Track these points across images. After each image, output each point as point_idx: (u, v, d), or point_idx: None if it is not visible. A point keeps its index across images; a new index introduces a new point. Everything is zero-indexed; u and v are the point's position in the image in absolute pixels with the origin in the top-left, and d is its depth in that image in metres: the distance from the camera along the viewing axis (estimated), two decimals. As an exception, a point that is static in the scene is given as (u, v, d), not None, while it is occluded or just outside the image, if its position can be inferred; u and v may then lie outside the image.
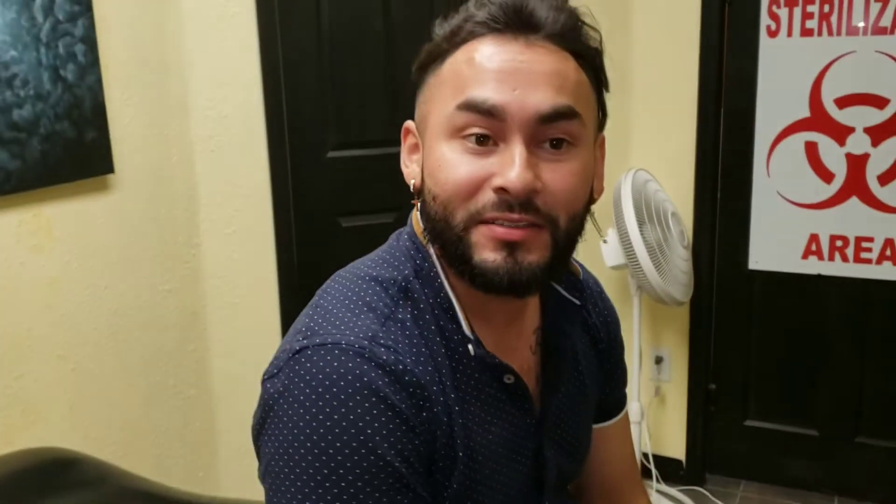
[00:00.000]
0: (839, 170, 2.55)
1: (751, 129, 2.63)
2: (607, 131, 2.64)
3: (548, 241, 0.80)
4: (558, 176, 0.79)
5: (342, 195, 2.55)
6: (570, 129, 0.79)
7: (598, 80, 0.86)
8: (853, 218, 2.56)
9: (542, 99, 0.77)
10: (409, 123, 0.89)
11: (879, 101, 2.46)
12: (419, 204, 0.85)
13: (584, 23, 0.83)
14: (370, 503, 0.73)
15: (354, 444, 0.72)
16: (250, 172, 2.41)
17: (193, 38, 2.28)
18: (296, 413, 0.74)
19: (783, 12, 2.53)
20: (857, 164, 2.52)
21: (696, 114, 2.64)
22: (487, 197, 0.77)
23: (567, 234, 0.81)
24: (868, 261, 2.57)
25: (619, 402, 1.12)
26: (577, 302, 0.95)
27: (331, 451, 0.72)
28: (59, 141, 1.87)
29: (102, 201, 2.02)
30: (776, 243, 2.68)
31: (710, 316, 2.81)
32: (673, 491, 2.82)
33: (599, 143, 0.90)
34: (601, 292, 1.09)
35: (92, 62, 1.95)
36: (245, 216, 2.42)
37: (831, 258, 2.62)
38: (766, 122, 2.61)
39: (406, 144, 0.89)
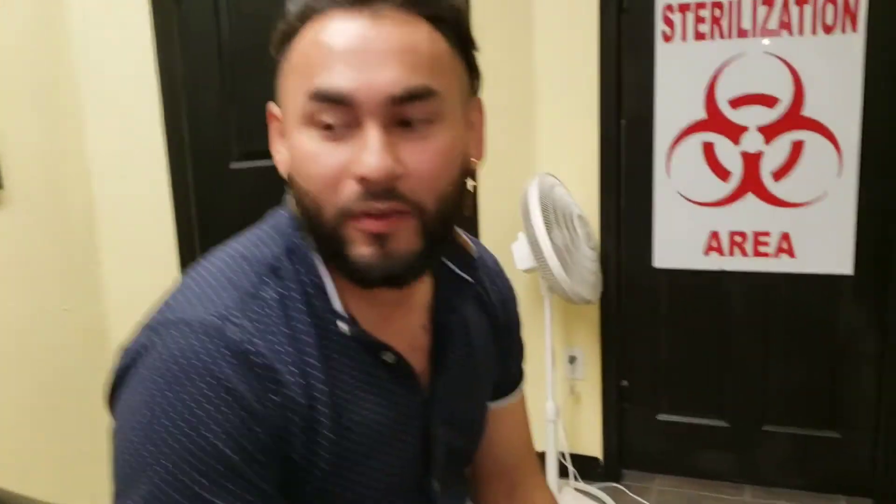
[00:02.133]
0: (735, 168, 2.64)
1: (650, 132, 2.71)
2: (514, 137, 2.72)
3: (417, 228, 0.76)
4: (422, 157, 0.75)
5: (246, 206, 2.51)
6: (427, 109, 0.75)
7: (463, 42, 0.80)
8: (750, 214, 2.65)
9: (392, 80, 0.72)
10: (272, 107, 0.84)
11: (770, 101, 2.56)
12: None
13: None
14: (196, 488, 0.70)
15: (184, 427, 0.70)
16: (151, 187, 2.36)
17: (86, 52, 2.23)
18: (137, 386, 0.73)
19: (677, 17, 2.61)
20: (751, 161, 2.62)
21: (597, 119, 2.70)
22: (351, 189, 0.74)
23: (438, 216, 0.77)
24: (766, 254, 2.67)
25: (515, 379, 1.11)
26: (470, 279, 0.93)
27: (160, 429, 0.70)
28: (-56, 159, 1.81)
29: (-7, 219, 1.96)
30: (679, 242, 2.75)
31: (620, 315, 2.87)
32: (591, 488, 2.86)
33: (475, 108, 0.86)
34: (500, 271, 1.07)
35: (-23, 77, 1.89)
36: (147, 232, 2.37)
37: (731, 254, 2.71)
38: (665, 125, 2.69)
39: (273, 129, 0.85)
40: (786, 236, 2.64)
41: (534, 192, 2.44)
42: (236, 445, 0.72)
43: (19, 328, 2.03)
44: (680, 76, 2.64)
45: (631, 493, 2.84)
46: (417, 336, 0.90)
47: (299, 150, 0.76)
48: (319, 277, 0.82)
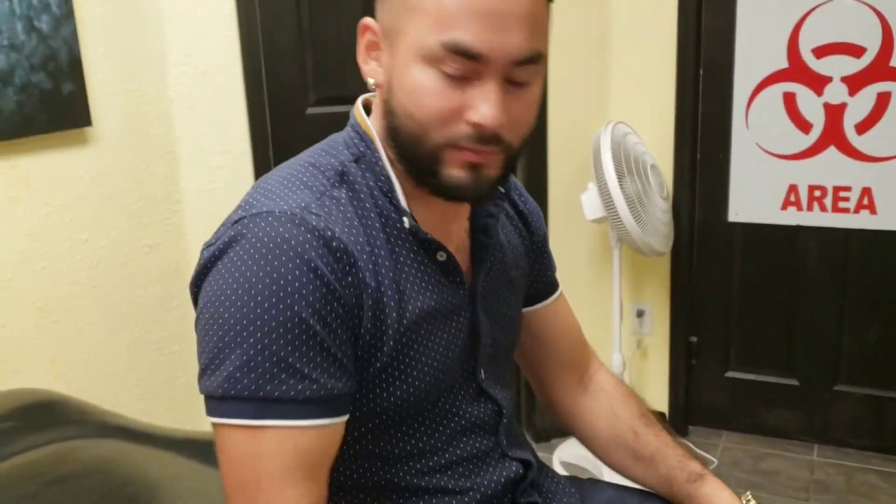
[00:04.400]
0: (817, 120, 2.56)
1: (729, 81, 2.64)
2: (587, 83, 2.72)
3: (503, 160, 0.89)
4: (521, 108, 0.87)
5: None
6: (535, 71, 0.86)
7: None
8: (831, 168, 2.58)
9: (519, 44, 0.82)
10: (369, 22, 0.90)
11: (856, 50, 2.47)
12: (382, 104, 0.91)
13: None
14: (282, 354, 0.79)
15: (275, 300, 0.79)
16: (230, 129, 2.41)
17: (169, -7, 2.27)
18: (226, 270, 0.81)
19: (761, -38, 2.53)
20: (834, 113, 2.54)
21: (675, 66, 2.65)
22: (462, 129, 0.84)
23: (518, 152, 0.90)
24: (846, 210, 2.60)
25: (550, 285, 1.22)
26: (502, 189, 1.03)
27: (252, 303, 0.79)
28: (35, 92, 1.87)
29: (80, 154, 2.02)
30: (755, 195, 2.69)
31: (691, 269, 2.83)
32: (656, 442, 2.85)
33: None
34: (523, 189, 1.18)
35: (67, 14, 1.94)
36: (225, 173, 2.42)
37: (810, 208, 2.64)
38: (745, 74, 2.62)
39: (364, 40, 0.91)
40: (867, 191, 2.56)
41: (606, 140, 2.41)
42: (319, 317, 0.81)
43: (103, 261, 2.10)
44: (762, 24, 2.56)
45: (697, 449, 2.82)
46: (463, 239, 1.01)
47: (415, 82, 0.84)
48: (387, 181, 0.92)
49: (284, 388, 0.80)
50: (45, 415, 1.32)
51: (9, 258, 1.85)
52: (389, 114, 0.89)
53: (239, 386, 0.79)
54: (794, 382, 2.81)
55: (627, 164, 2.43)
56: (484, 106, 0.83)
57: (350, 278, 0.84)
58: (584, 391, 1.23)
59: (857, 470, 2.66)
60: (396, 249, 0.91)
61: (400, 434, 0.95)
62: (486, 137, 0.84)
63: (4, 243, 1.84)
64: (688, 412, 2.96)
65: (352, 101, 2.75)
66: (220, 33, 2.34)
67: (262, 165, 2.45)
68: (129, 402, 2.20)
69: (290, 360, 0.80)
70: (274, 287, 0.79)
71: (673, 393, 2.93)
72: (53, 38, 1.91)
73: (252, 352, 0.79)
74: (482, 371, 1.03)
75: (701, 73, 2.66)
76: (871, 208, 2.57)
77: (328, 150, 0.94)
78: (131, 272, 2.20)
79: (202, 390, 0.83)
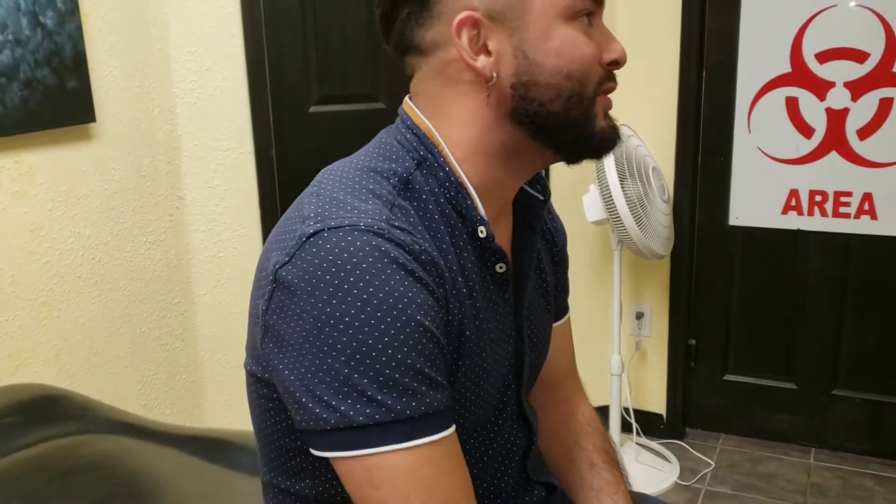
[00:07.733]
0: (819, 125, 2.57)
1: (732, 85, 2.65)
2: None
3: None
4: None
5: (324, 150, 2.55)
6: None
7: None
8: (832, 173, 2.59)
9: None
10: (467, 14, 0.83)
11: (859, 56, 2.48)
12: (506, 92, 0.85)
13: None
14: (418, 366, 0.74)
15: (395, 312, 0.73)
16: (233, 127, 2.41)
17: (174, -10, 2.27)
18: (324, 293, 0.73)
19: (765, -34, 2.54)
20: (837, 118, 2.55)
21: (678, 69, 2.65)
22: (601, 71, 0.86)
23: None
24: (846, 215, 2.60)
25: (562, 309, 1.17)
26: (542, 197, 0.98)
27: (373, 320, 0.72)
28: (40, 87, 1.87)
29: (85, 150, 2.03)
30: (756, 199, 2.70)
31: (691, 272, 2.84)
32: (653, 444, 2.86)
33: None
34: (552, 207, 1.14)
35: (72, 10, 1.94)
36: (228, 170, 2.43)
37: (811, 213, 2.65)
38: (748, 78, 2.63)
39: (465, 38, 0.83)
40: (868, 197, 2.57)
41: (609, 143, 2.41)
42: (435, 323, 0.77)
43: (106, 256, 2.10)
44: (765, 28, 2.57)
45: (693, 451, 2.83)
46: (505, 249, 0.93)
47: (566, 40, 0.84)
48: (455, 186, 0.86)
49: (428, 400, 0.75)
50: (48, 410, 1.32)
51: (13, 253, 1.85)
52: (533, 91, 0.84)
53: (383, 409, 0.73)
54: (793, 386, 2.82)
55: (629, 167, 2.44)
56: (615, 43, 0.88)
57: (442, 290, 0.80)
58: (555, 413, 1.18)
59: (853, 474, 2.67)
60: (462, 262, 0.85)
61: None
62: (613, 76, 0.88)
63: (9, 238, 1.84)
64: (686, 415, 2.97)
65: (355, 100, 2.75)
66: (225, 31, 2.34)
67: (264, 163, 2.45)
68: (132, 398, 2.20)
69: (425, 370, 0.75)
70: (390, 300, 0.73)
71: (671, 395, 2.94)
72: (58, 33, 1.91)
73: (388, 370, 0.73)
74: (522, 394, 0.98)
75: (704, 76, 2.67)
76: (872, 214, 2.57)
77: (385, 154, 0.87)
78: (134, 268, 2.20)
79: (332, 424, 0.74)
